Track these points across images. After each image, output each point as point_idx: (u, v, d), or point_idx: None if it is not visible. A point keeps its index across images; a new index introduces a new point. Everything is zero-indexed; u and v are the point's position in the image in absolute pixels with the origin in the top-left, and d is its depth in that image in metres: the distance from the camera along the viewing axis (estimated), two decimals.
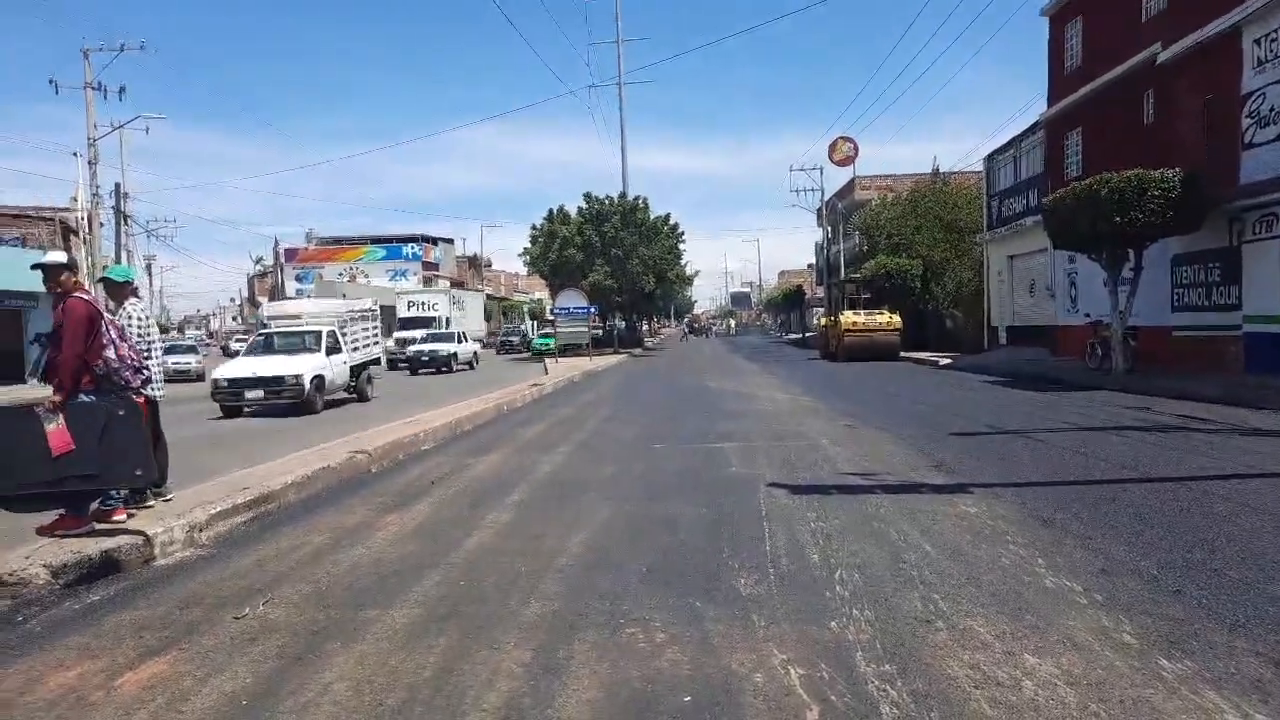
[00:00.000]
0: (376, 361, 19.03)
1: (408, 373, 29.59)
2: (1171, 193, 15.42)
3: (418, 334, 34.18)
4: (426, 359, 30.18)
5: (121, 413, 5.19)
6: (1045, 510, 5.78)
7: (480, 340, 44.41)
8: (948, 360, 25.36)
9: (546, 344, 37.60)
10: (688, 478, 7.55)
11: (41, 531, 5.14)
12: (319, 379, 15.04)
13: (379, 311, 20.15)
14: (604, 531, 5.60)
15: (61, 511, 5.24)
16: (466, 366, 31.92)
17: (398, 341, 34.11)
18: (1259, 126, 16.03)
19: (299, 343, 15.93)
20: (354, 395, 17.16)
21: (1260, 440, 8.73)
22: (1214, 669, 3.13)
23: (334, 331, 16.42)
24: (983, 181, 31.79)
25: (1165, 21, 18.81)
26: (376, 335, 19.12)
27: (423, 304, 43.64)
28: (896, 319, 28.93)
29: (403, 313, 41.76)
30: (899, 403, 14.23)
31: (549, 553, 5.06)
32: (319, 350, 15.60)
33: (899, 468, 7.68)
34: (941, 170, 39.24)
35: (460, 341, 32.28)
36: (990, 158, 30.42)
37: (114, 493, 5.40)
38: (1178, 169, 15.86)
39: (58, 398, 5.13)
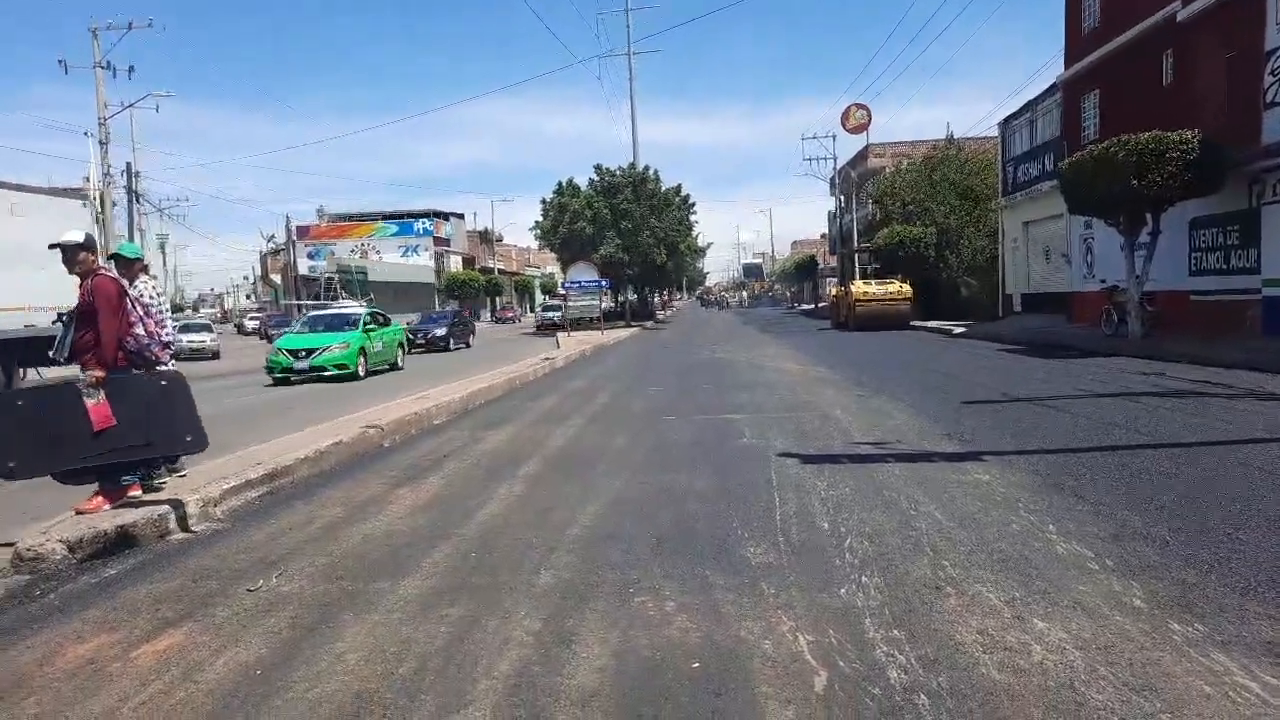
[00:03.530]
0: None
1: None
2: (1190, 154, 15.17)
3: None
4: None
5: (164, 383, 5.31)
6: (1058, 477, 5.75)
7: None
8: (962, 329, 25.19)
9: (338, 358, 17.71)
10: (699, 449, 7.55)
11: (81, 511, 5.21)
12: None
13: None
14: (615, 503, 5.62)
15: (95, 490, 5.32)
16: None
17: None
18: None
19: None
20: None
21: (1277, 405, 8.63)
22: (1224, 631, 3.12)
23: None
24: (998, 147, 31.38)
25: None
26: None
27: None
28: (907, 288, 28.77)
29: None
30: (911, 372, 14.16)
31: (560, 524, 5.08)
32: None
33: (910, 436, 7.65)
34: (956, 136, 38.74)
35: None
36: (1005, 122, 30.00)
37: (131, 470, 5.46)
38: (1197, 130, 15.59)
39: (100, 373, 5.21)
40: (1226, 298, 17.44)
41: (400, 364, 20.47)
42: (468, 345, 30.94)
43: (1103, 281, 20.19)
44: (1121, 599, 3.50)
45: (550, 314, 42.46)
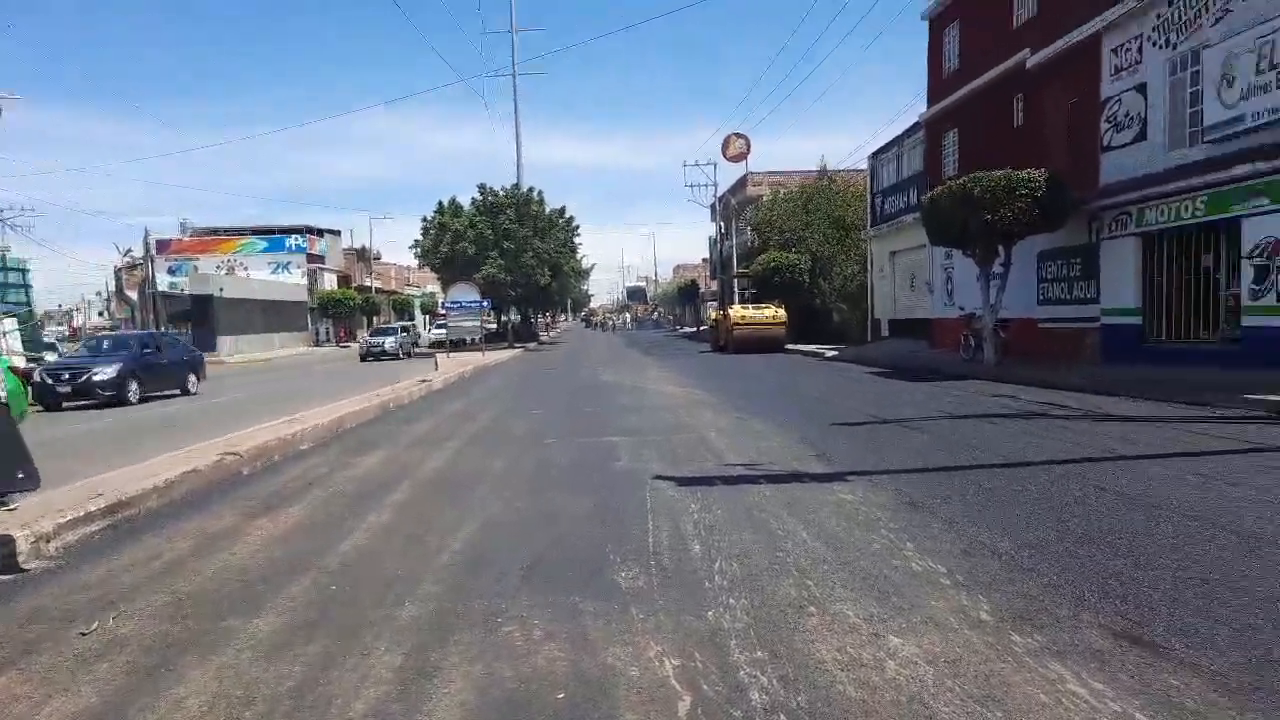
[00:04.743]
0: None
1: None
2: (1038, 192, 16.35)
3: None
4: None
5: None
6: (916, 495, 6.02)
7: None
8: (834, 352, 26.20)
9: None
10: (577, 473, 7.52)
11: None
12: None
13: None
14: (488, 529, 5.51)
15: None
16: None
17: None
18: (1115, 130, 17.17)
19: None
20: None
21: (1112, 425, 9.35)
22: (1059, 641, 3.31)
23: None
24: (868, 179, 32.94)
25: (1034, 28, 19.93)
26: None
27: None
28: (782, 313, 29.74)
29: None
30: (786, 394, 14.59)
31: (429, 553, 4.94)
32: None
33: (782, 458, 7.85)
34: (829, 168, 40.46)
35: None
36: (874, 156, 31.55)
37: None
38: (1044, 170, 16.82)
39: None
40: (1070, 325, 18.83)
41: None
42: (183, 392, 19.84)
43: (961, 309, 21.41)
44: (969, 613, 3.68)
45: (382, 339, 37.48)
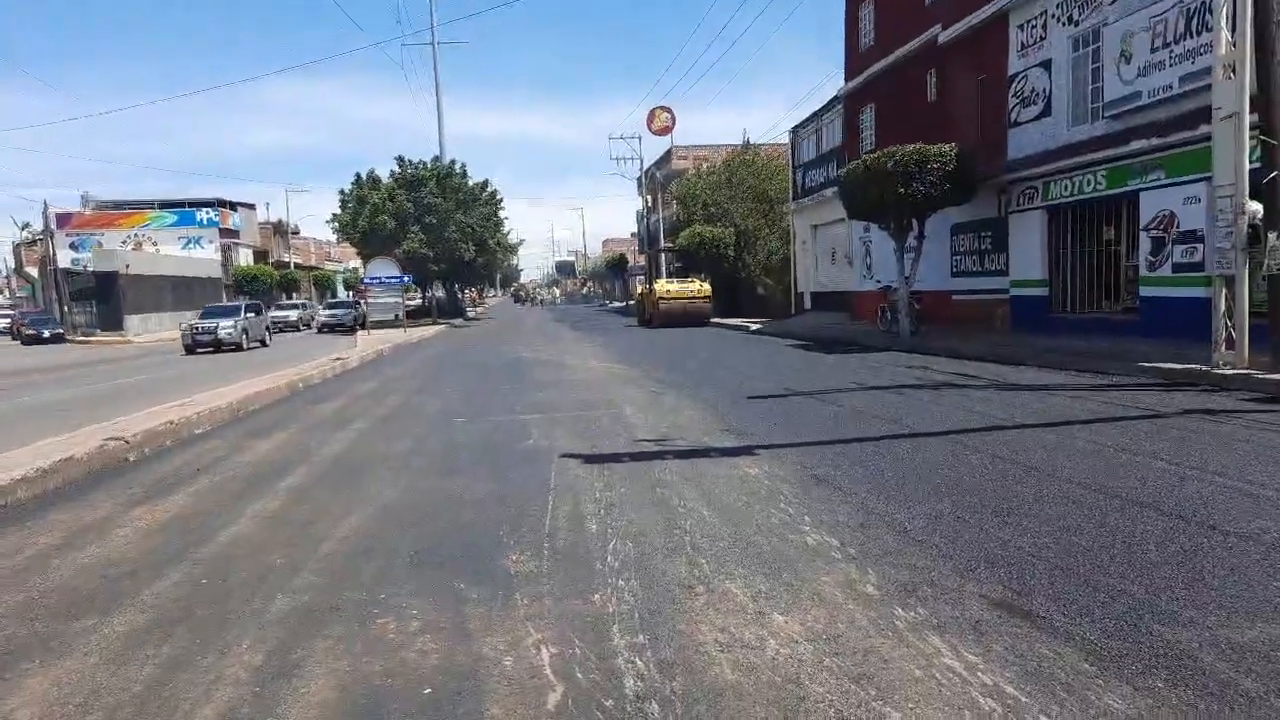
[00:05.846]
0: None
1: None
2: (948, 166, 16.65)
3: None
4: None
5: None
6: (820, 468, 6.03)
7: None
8: (757, 326, 26.41)
9: None
10: (483, 452, 7.34)
11: None
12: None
13: None
14: (381, 514, 5.31)
15: None
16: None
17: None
18: (1022, 106, 17.57)
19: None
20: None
21: (1014, 394, 9.59)
22: (941, 614, 3.31)
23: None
24: (789, 153, 33.15)
25: (945, 5, 20.19)
26: None
27: None
28: (707, 287, 29.85)
29: None
30: (706, 368, 14.60)
31: (313, 541, 4.72)
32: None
33: (693, 432, 7.81)
34: (752, 142, 40.59)
35: None
36: (795, 130, 31.73)
37: None
38: (954, 144, 17.12)
39: None
40: (982, 297, 19.33)
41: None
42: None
43: (878, 282, 21.79)
44: (857, 587, 3.66)
45: (214, 321, 26.24)
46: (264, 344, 28.65)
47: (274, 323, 37.94)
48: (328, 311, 40.18)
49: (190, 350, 25.63)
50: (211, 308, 29.53)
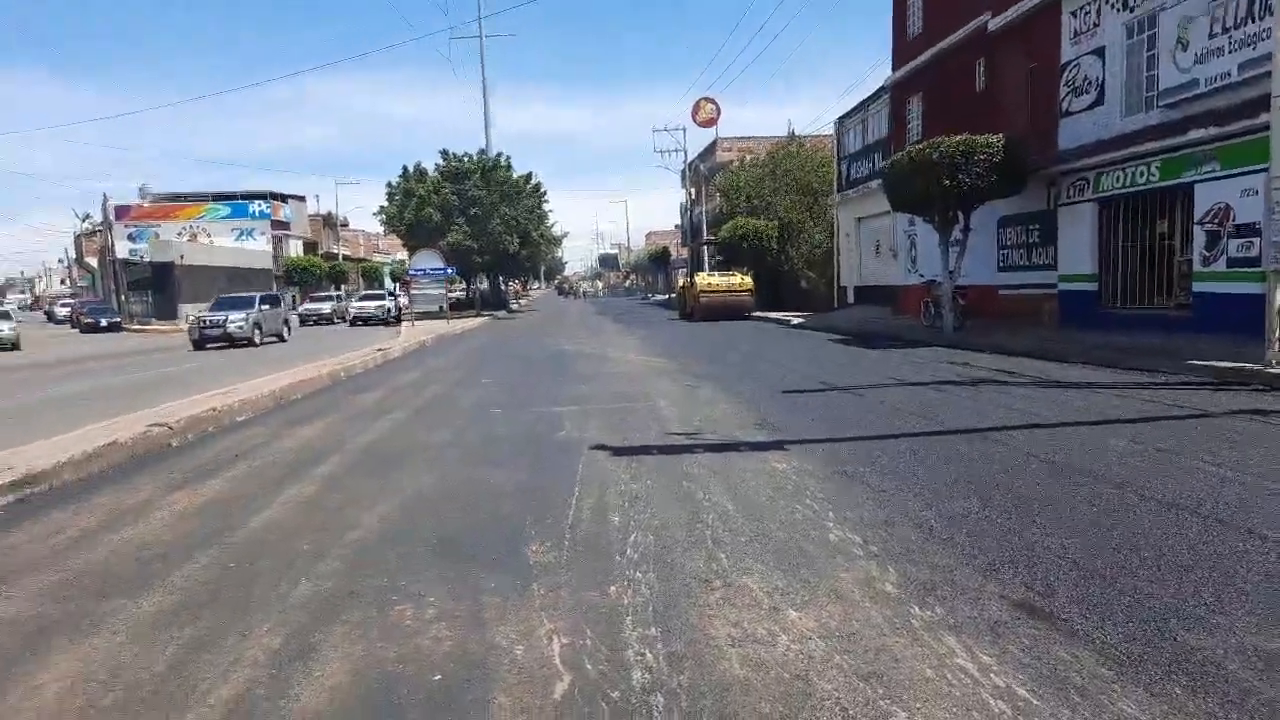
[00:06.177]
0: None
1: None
2: (996, 157, 16.27)
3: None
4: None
5: None
6: (850, 464, 5.96)
7: None
8: (799, 319, 26.19)
9: None
10: (516, 443, 7.39)
11: None
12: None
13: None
14: (410, 503, 5.38)
15: None
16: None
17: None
18: (1074, 95, 17.11)
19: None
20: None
21: (1057, 391, 9.37)
22: (959, 614, 3.26)
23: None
24: (834, 144, 32.75)
25: None
26: None
27: None
28: (748, 280, 29.66)
29: None
30: (744, 362, 14.52)
31: (342, 528, 4.80)
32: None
33: (725, 426, 7.78)
34: (797, 133, 40.18)
35: None
36: (840, 121, 31.32)
37: None
38: (1001, 135, 16.73)
39: None
40: (1029, 291, 18.90)
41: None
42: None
43: (921, 276, 21.43)
44: (876, 585, 3.62)
45: (223, 314, 24.28)
46: (281, 339, 26.64)
47: (307, 315, 38.39)
48: (359, 304, 38.44)
49: (199, 345, 23.74)
50: (223, 298, 27.05)
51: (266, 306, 26.26)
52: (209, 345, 23.74)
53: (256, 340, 24.60)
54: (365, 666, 2.99)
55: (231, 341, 23.86)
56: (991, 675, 2.74)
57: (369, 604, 3.59)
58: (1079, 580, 3.56)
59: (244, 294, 27.93)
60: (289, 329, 27.94)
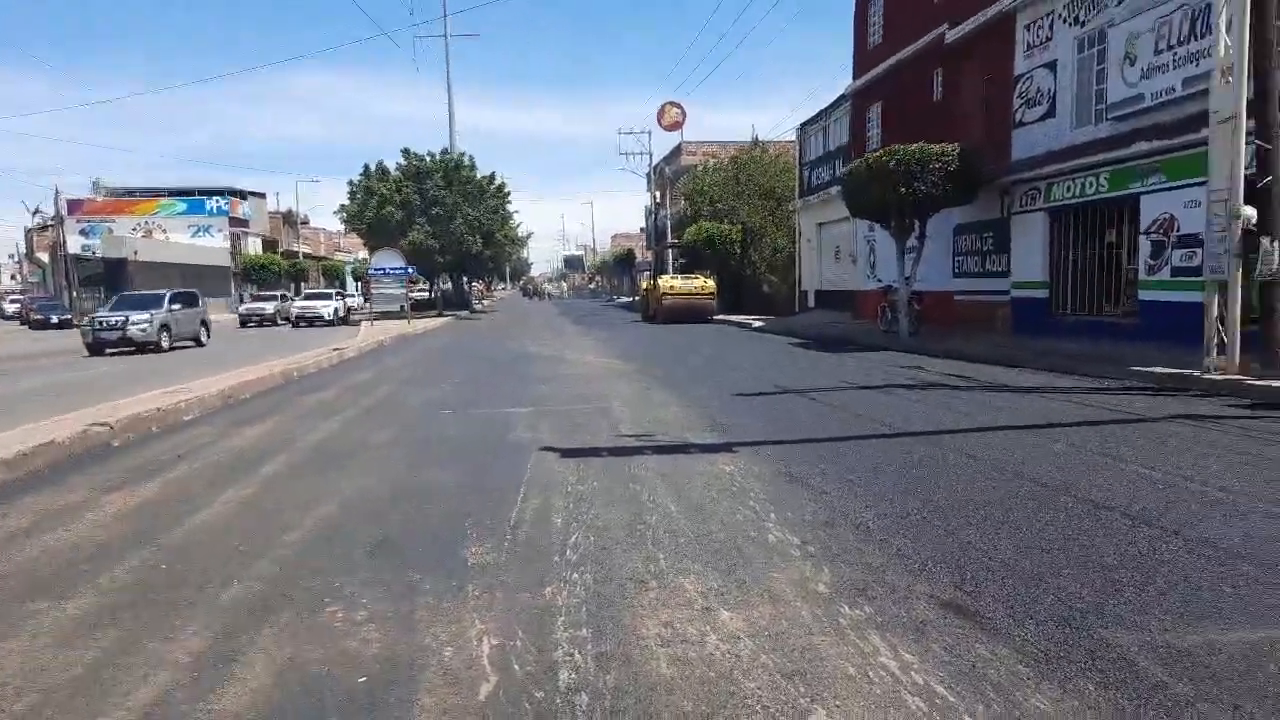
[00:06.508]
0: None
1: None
2: (951, 166, 16.55)
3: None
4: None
5: None
6: (796, 466, 6.02)
7: None
8: (760, 323, 26.37)
9: None
10: (464, 445, 7.35)
11: None
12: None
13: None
14: (351, 504, 5.33)
15: None
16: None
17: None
18: (1027, 107, 17.47)
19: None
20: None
21: (1003, 396, 9.55)
22: (886, 613, 3.31)
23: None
24: (796, 150, 33.06)
25: (953, 3, 20.07)
26: None
27: None
28: (711, 283, 29.80)
29: None
30: (702, 365, 14.59)
31: (279, 529, 4.74)
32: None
33: (676, 428, 7.81)
34: (761, 139, 40.48)
35: None
36: (803, 128, 31.63)
37: None
38: (957, 144, 17.02)
39: None
40: (983, 298, 19.24)
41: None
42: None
43: (879, 281, 21.70)
44: (809, 585, 3.66)
45: (122, 315, 20.61)
46: (198, 343, 23.13)
47: (248, 316, 36.31)
48: (303, 303, 35.71)
49: (95, 350, 20.39)
50: (126, 295, 23.81)
51: (178, 306, 22.55)
52: (108, 350, 20.44)
53: (164, 344, 21.17)
54: (289, 669, 2.96)
55: (135, 346, 20.51)
56: (912, 673, 2.79)
57: (300, 606, 3.54)
58: (1007, 579, 3.64)
59: (151, 291, 24.02)
60: (208, 331, 24.13)
